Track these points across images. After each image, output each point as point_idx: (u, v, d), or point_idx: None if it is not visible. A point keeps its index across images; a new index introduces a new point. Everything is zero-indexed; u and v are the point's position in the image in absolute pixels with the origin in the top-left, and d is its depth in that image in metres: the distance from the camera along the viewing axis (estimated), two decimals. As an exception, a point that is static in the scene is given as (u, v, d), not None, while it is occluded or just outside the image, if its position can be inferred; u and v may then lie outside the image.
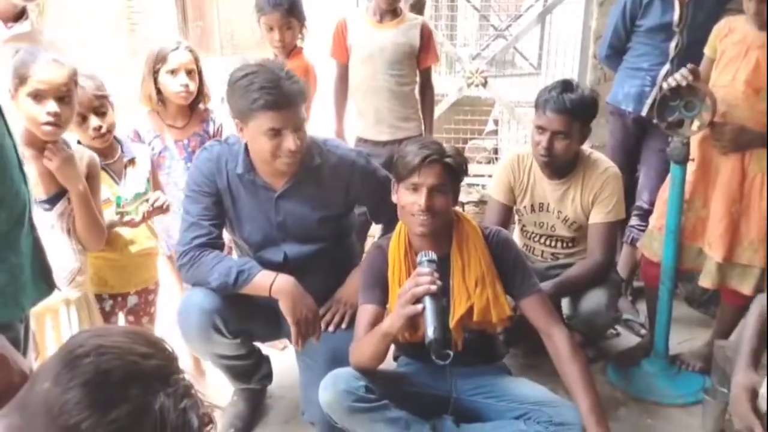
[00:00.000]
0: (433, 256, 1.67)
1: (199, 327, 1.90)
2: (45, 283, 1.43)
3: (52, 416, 0.72)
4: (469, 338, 1.83)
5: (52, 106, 1.65)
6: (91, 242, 1.83)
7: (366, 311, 1.83)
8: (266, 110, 1.77)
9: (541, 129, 2.27)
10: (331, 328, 2.02)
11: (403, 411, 1.74)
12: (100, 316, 1.99)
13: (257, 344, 2.16)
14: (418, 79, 2.90)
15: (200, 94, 2.33)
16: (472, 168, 3.13)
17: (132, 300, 2.14)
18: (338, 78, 2.90)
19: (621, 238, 2.88)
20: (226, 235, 2.10)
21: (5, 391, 0.91)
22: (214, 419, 0.82)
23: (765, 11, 2.11)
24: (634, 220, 2.87)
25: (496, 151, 4.59)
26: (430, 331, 1.55)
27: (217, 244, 1.96)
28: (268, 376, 2.24)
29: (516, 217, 2.56)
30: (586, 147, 2.42)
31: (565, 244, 2.47)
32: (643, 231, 2.72)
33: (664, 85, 2.17)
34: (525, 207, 2.45)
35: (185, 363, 2.22)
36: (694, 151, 2.28)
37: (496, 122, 4.96)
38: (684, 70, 2.13)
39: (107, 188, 1.99)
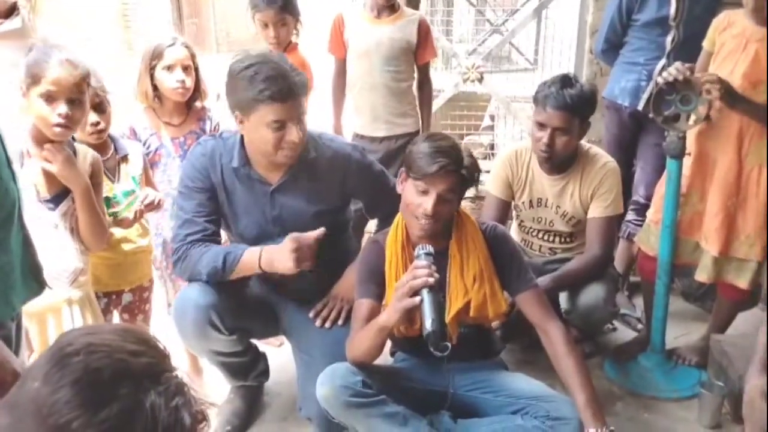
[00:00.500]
0: (431, 249, 1.68)
1: (195, 323, 1.90)
2: (35, 281, 1.42)
3: (42, 416, 0.71)
4: (466, 333, 1.83)
5: (63, 108, 1.64)
6: (94, 242, 1.82)
7: (362, 306, 1.83)
8: (272, 102, 1.76)
9: (541, 125, 2.26)
10: (327, 324, 2.02)
11: (401, 406, 1.74)
12: (102, 316, 1.98)
13: (254, 341, 2.16)
14: (415, 74, 2.89)
15: (197, 91, 2.31)
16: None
17: (126, 298, 2.13)
18: (336, 73, 2.89)
19: (618, 232, 2.88)
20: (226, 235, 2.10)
21: (-3, 389, 0.90)
22: (207, 417, 0.81)
23: (765, 7, 2.10)
24: (630, 215, 2.87)
25: (492, 146, 4.59)
26: (428, 323, 1.55)
27: (212, 240, 1.94)
28: (265, 373, 2.24)
29: (514, 213, 2.56)
30: (584, 141, 2.42)
31: (563, 239, 2.46)
32: (640, 226, 2.72)
33: (660, 80, 2.17)
34: (523, 202, 2.45)
35: (182, 361, 2.24)
36: (690, 145, 2.27)
37: (492, 118, 4.95)
38: (678, 64, 2.12)
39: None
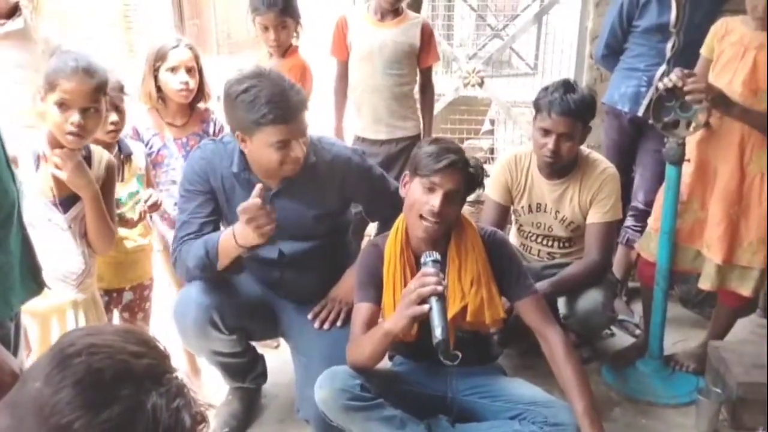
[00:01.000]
0: (437, 256, 1.67)
1: (195, 322, 1.90)
2: (34, 282, 1.42)
3: (44, 416, 0.71)
4: (463, 339, 1.82)
5: (75, 117, 1.65)
6: (102, 246, 1.82)
7: (362, 310, 1.83)
8: (276, 124, 1.76)
9: (546, 131, 2.26)
10: (326, 326, 2.02)
11: (399, 410, 1.74)
12: (106, 318, 1.99)
13: (252, 343, 2.16)
14: (417, 78, 2.89)
15: (200, 92, 2.32)
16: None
17: (127, 296, 2.14)
18: (338, 76, 2.89)
19: (617, 238, 2.89)
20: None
21: (-6, 389, 0.91)
22: (207, 418, 0.81)
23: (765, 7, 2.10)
24: (629, 221, 2.87)
25: (492, 151, 4.60)
26: (438, 331, 1.54)
27: None
28: (263, 375, 2.24)
29: (513, 217, 2.56)
30: (583, 147, 2.43)
31: (561, 244, 2.47)
32: (639, 232, 2.73)
33: (660, 86, 2.17)
34: (522, 207, 2.45)
35: (180, 361, 2.24)
36: (690, 152, 2.28)
37: (492, 122, 4.96)
38: (678, 71, 2.13)
39: None
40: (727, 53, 2.23)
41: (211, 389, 2.26)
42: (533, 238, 2.50)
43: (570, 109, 2.21)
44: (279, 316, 2.11)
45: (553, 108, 2.22)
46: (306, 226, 1.99)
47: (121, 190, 1.99)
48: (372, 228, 2.81)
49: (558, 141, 2.25)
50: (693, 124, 2.17)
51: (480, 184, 1.83)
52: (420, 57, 2.81)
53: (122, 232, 2.05)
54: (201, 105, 2.36)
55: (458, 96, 3.95)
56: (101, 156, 1.84)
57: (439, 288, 1.58)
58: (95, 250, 1.83)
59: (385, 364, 1.96)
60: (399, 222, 1.88)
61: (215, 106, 2.43)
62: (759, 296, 2.54)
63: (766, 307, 2.76)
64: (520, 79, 5.89)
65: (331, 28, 2.85)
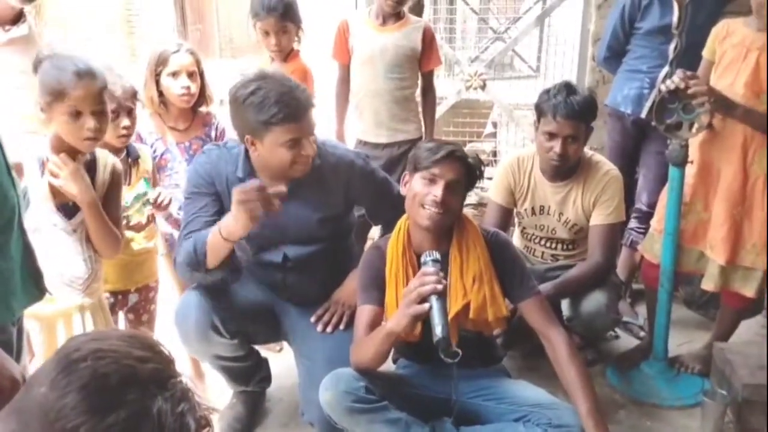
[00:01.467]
0: (437, 255, 1.68)
1: (197, 326, 1.90)
2: (36, 287, 1.42)
3: (49, 421, 0.71)
4: (466, 340, 1.82)
5: (91, 122, 1.65)
6: (107, 251, 1.82)
7: (365, 312, 1.83)
8: (287, 123, 1.78)
9: (552, 135, 2.26)
10: (329, 329, 2.02)
11: (403, 412, 1.74)
12: (113, 322, 1.99)
13: (255, 347, 2.16)
14: (419, 81, 2.90)
15: (202, 97, 2.33)
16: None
17: (132, 298, 2.15)
18: (339, 79, 2.89)
19: (620, 240, 2.88)
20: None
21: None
22: (211, 422, 0.81)
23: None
24: (632, 223, 2.87)
25: (494, 153, 4.59)
26: (438, 330, 1.55)
27: None
28: (267, 379, 2.24)
29: (516, 220, 2.56)
30: (586, 149, 2.43)
31: (565, 246, 2.47)
32: (642, 233, 2.72)
33: (663, 88, 2.17)
34: (526, 210, 2.45)
35: (184, 366, 2.24)
36: (693, 154, 2.28)
37: (494, 125, 4.96)
38: (680, 72, 2.13)
39: None
40: (729, 55, 2.23)
41: (215, 393, 2.26)
42: (536, 240, 2.50)
43: (575, 111, 2.21)
44: (282, 319, 2.12)
45: (558, 111, 2.22)
46: (310, 230, 1.99)
47: (127, 194, 2.00)
48: (375, 231, 2.81)
49: (564, 144, 2.25)
50: (696, 126, 2.17)
51: (480, 177, 1.85)
52: (422, 61, 2.82)
53: (129, 234, 2.05)
54: (203, 109, 2.37)
55: (460, 99, 3.95)
56: (106, 161, 1.84)
57: (439, 286, 1.58)
58: (101, 254, 1.82)
59: (389, 366, 1.97)
60: (401, 223, 1.89)
61: (217, 110, 2.44)
62: (764, 297, 2.53)
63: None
64: (523, 81, 5.89)
65: (332, 31, 2.85)
